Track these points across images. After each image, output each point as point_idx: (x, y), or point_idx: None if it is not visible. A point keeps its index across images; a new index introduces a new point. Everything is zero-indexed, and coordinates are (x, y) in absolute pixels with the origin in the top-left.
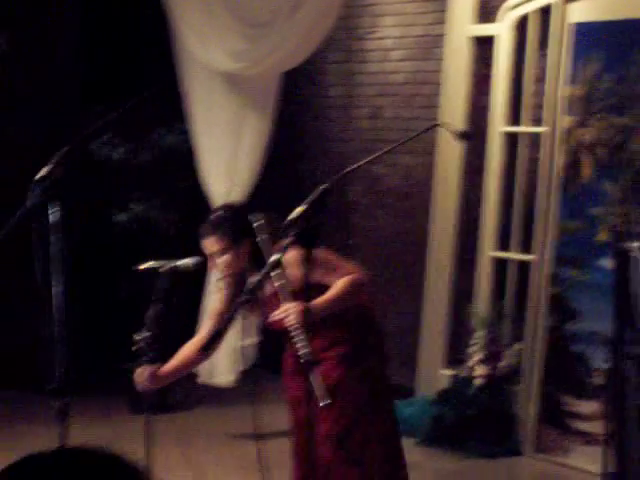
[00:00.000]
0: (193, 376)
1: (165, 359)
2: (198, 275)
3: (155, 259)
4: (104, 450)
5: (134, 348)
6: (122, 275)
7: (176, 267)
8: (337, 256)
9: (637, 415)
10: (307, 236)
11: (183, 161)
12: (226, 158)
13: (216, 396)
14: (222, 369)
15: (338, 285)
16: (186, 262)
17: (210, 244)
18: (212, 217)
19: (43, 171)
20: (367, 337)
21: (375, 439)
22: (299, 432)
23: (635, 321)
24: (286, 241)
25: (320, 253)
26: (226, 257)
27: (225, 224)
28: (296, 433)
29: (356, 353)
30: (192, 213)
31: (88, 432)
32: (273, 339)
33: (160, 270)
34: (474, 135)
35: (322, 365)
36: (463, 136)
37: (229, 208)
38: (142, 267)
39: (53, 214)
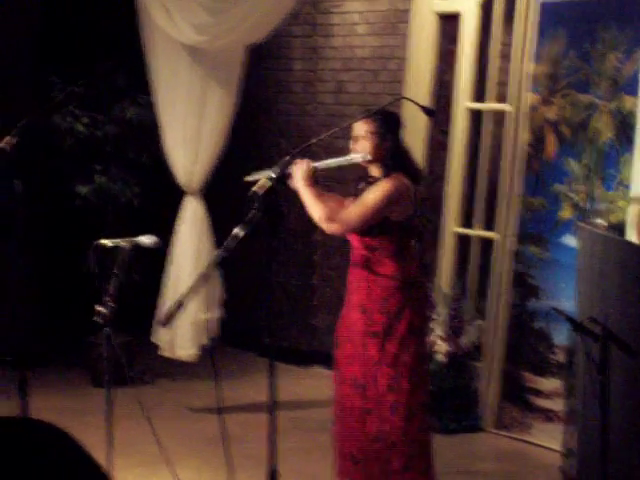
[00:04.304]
0: (155, 349)
1: (125, 331)
2: (158, 252)
3: (117, 231)
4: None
5: (95, 319)
6: (84, 247)
7: (137, 243)
8: (370, 205)
9: (597, 392)
10: (271, 208)
11: (147, 133)
12: (189, 131)
13: (178, 370)
14: (184, 342)
15: (320, 205)
16: (147, 239)
17: (359, 125)
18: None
19: (2, 143)
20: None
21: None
22: (344, 387)
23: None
24: (250, 214)
25: (377, 189)
26: (368, 143)
27: (379, 114)
28: (341, 388)
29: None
30: (155, 186)
31: (50, 404)
32: (236, 314)
33: (122, 245)
34: (436, 111)
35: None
36: (427, 112)
37: (386, 112)
38: (105, 243)
39: (15, 185)
